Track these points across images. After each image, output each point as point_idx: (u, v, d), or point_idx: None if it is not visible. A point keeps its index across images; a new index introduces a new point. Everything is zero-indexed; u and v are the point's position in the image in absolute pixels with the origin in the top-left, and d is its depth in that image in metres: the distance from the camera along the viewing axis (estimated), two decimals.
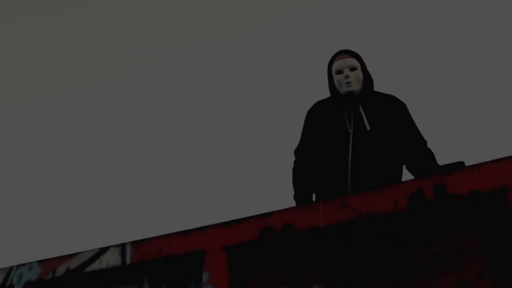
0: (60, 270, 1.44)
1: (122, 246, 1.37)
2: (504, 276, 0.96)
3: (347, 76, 1.96)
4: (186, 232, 1.27)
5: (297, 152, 2.08)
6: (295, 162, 2.08)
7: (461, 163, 1.12)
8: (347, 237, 1.13)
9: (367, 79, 2.03)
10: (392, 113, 1.97)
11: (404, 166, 1.99)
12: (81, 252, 1.45)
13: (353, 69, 1.99)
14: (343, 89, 1.97)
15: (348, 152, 1.88)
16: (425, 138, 2.00)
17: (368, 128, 1.90)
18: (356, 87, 1.96)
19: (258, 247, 1.18)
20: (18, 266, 1.54)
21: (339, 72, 2.00)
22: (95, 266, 1.38)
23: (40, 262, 1.52)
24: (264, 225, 1.16)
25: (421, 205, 1.04)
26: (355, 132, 1.91)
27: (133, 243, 1.36)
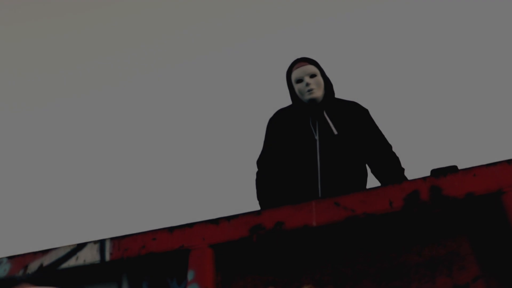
0: (33, 267, 1.36)
1: (101, 242, 1.30)
2: (498, 279, 0.95)
3: (308, 84, 1.94)
4: (170, 229, 1.22)
5: (260, 162, 2.02)
6: (258, 173, 2.01)
7: (454, 167, 1.11)
8: (340, 237, 1.10)
9: (328, 84, 2.02)
10: (356, 118, 1.97)
11: (369, 170, 1.98)
12: (55, 248, 1.37)
13: (312, 76, 1.97)
14: (306, 97, 1.95)
15: (317, 158, 1.86)
16: (391, 143, 2.01)
17: (335, 132, 1.89)
18: (318, 93, 1.95)
19: (246, 246, 1.13)
20: None
21: (299, 80, 1.98)
22: (71, 263, 1.31)
23: (10, 258, 1.43)
24: (254, 223, 1.12)
25: (416, 206, 1.02)
26: (321, 138, 1.90)
27: (112, 239, 1.29)
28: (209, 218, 1.20)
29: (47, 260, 1.35)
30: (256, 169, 2.04)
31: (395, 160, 1.93)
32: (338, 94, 2.07)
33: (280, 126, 2.01)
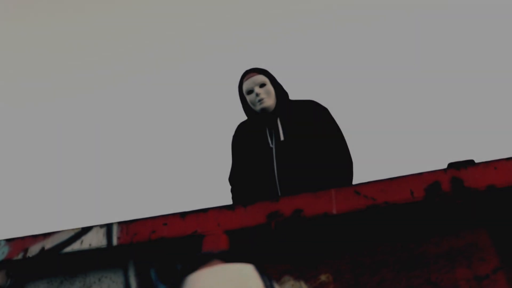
0: (33, 250, 1.31)
1: (108, 226, 1.26)
2: None
3: (257, 94, 1.96)
4: (182, 214, 1.19)
5: (231, 179, 2.06)
6: (232, 190, 2.05)
7: (471, 161, 1.11)
8: (359, 227, 1.09)
9: (280, 91, 2.03)
10: (312, 118, 1.96)
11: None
12: (58, 232, 1.32)
13: (262, 85, 1.99)
14: (257, 107, 1.97)
15: (274, 165, 1.88)
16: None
17: (282, 138, 1.90)
18: (268, 102, 1.96)
19: (263, 233, 1.11)
20: None
21: (250, 92, 2.00)
22: (75, 246, 1.26)
23: (8, 240, 1.37)
24: (271, 210, 1.10)
25: (438, 197, 1.02)
26: (277, 145, 1.91)
27: (120, 223, 1.25)
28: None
29: (49, 244, 1.30)
30: (229, 187, 2.08)
31: (346, 162, 1.91)
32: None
33: (241, 140, 2.06)
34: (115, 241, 1.22)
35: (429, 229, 1.06)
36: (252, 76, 2.00)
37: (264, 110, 1.97)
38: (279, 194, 1.83)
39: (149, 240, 1.18)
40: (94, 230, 1.27)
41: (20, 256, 1.31)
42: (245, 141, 2.03)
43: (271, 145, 1.93)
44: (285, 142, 1.90)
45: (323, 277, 1.06)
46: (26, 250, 1.32)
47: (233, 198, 2.03)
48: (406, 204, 1.03)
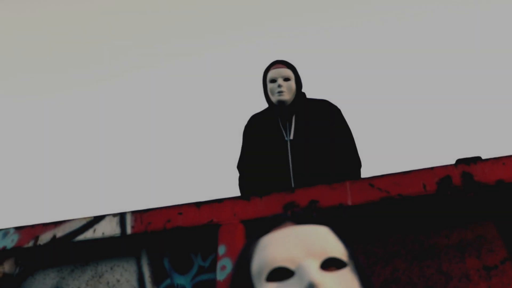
0: (44, 238, 1.31)
1: (121, 215, 1.27)
2: None
3: (279, 86, 2.02)
4: (197, 204, 1.21)
5: (239, 167, 2.10)
6: (240, 178, 2.09)
7: (479, 157, 1.16)
8: (372, 218, 1.13)
9: (300, 89, 2.09)
10: (325, 117, 2.02)
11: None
12: (69, 220, 1.33)
13: (286, 79, 2.04)
14: (275, 98, 2.03)
15: (288, 158, 1.93)
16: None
17: (291, 137, 1.96)
18: (287, 97, 2.02)
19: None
20: None
21: (273, 80, 2.05)
22: (88, 235, 1.27)
23: (18, 228, 1.37)
24: (287, 200, 1.13)
25: (450, 190, 1.06)
26: (292, 139, 1.97)
27: (134, 212, 1.27)
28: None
29: (60, 232, 1.31)
30: (238, 174, 2.12)
31: (354, 162, 1.97)
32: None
33: (254, 130, 2.10)
34: (129, 230, 1.23)
35: (439, 222, 1.10)
36: (280, 68, 2.06)
37: (280, 102, 2.01)
38: (293, 186, 1.87)
39: (164, 229, 1.20)
40: (107, 219, 1.28)
41: (30, 244, 1.31)
42: (259, 131, 2.06)
43: (286, 138, 1.97)
44: (300, 137, 1.95)
45: None
46: (37, 238, 1.32)
47: (240, 185, 2.06)
48: (419, 197, 1.07)
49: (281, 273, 0.58)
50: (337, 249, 0.61)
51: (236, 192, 2.11)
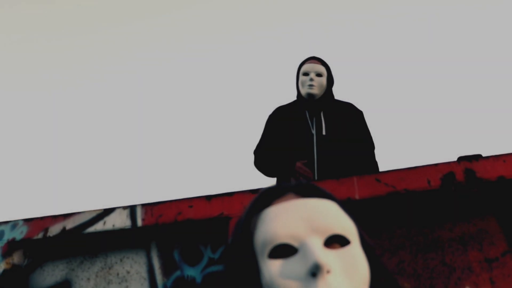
0: (54, 230, 1.33)
1: (131, 208, 1.30)
2: None
3: (311, 79, 2.09)
4: (208, 197, 1.23)
5: (256, 151, 2.15)
6: (255, 159, 2.14)
7: (479, 155, 1.21)
8: (378, 213, 1.17)
9: (330, 89, 2.17)
10: (349, 119, 2.11)
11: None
12: (78, 213, 1.35)
13: (319, 75, 2.12)
14: (304, 90, 2.09)
15: (314, 150, 1.99)
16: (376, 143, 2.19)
17: (324, 133, 2.03)
18: (316, 91, 2.08)
19: None
20: None
21: (306, 74, 2.13)
22: (98, 227, 1.29)
23: (27, 220, 1.39)
24: None
25: (453, 186, 1.10)
26: (318, 133, 2.04)
27: (144, 205, 1.29)
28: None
29: (70, 224, 1.32)
30: (253, 159, 2.16)
31: (371, 163, 2.06)
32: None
33: (278, 120, 2.15)
34: (139, 222, 1.26)
35: (443, 216, 1.14)
36: (315, 63, 2.14)
37: (309, 95, 2.07)
38: (315, 176, 1.94)
39: (174, 222, 1.22)
40: (117, 211, 1.30)
41: (40, 236, 1.33)
42: (283, 121, 2.11)
43: (312, 131, 2.03)
44: (327, 132, 2.02)
45: None
46: (46, 230, 1.34)
47: (256, 161, 2.10)
48: (424, 192, 1.11)
49: (284, 250, 0.56)
50: (342, 225, 0.59)
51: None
